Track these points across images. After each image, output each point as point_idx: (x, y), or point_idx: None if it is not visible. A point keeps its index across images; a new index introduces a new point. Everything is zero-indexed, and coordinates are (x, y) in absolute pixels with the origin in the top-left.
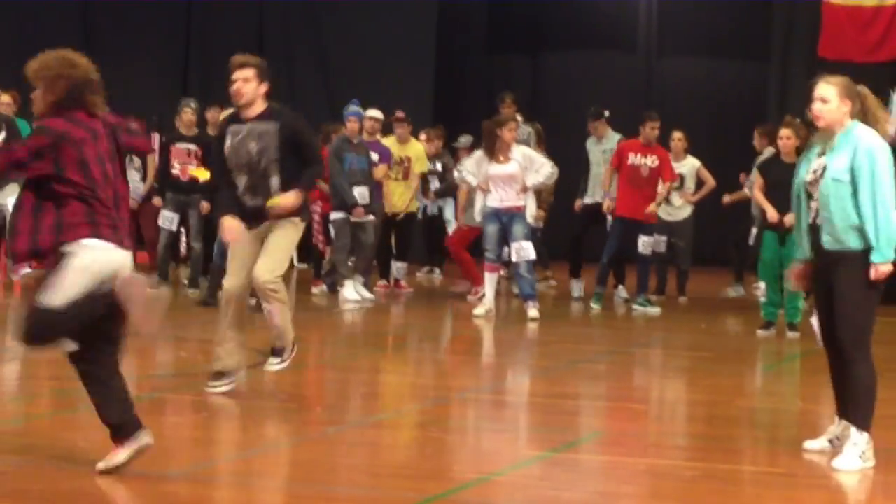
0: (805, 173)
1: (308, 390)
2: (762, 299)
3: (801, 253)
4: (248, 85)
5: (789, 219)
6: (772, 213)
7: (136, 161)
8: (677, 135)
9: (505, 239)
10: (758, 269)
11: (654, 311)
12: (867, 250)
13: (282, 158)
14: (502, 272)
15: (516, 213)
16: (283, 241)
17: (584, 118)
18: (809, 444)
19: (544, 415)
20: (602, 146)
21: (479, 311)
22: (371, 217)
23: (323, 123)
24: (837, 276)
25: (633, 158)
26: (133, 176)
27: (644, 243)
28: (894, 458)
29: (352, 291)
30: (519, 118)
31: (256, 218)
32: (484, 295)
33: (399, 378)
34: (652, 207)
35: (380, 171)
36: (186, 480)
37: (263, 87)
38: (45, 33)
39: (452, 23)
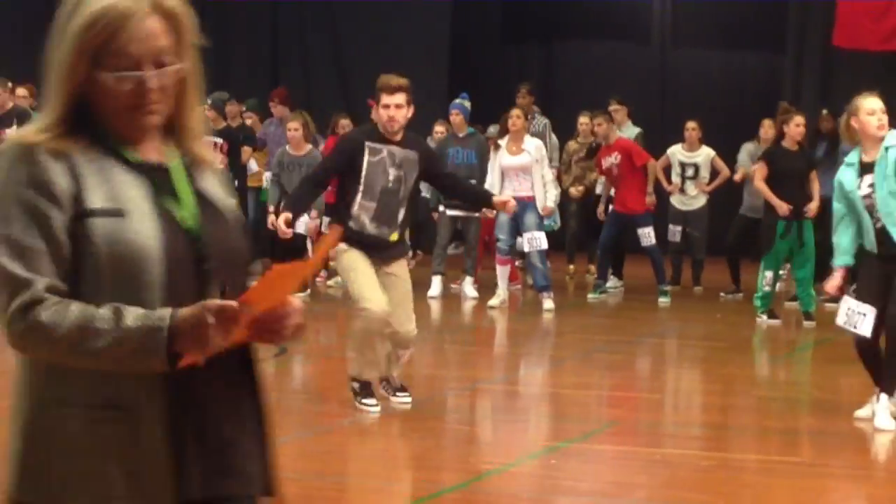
0: (858, 187)
1: (323, 382)
2: (767, 289)
3: (844, 260)
4: (400, 111)
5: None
6: (783, 208)
7: None
8: (691, 124)
9: (518, 229)
10: (765, 259)
11: (665, 300)
12: None
13: (414, 191)
14: (517, 263)
15: (528, 203)
16: (408, 286)
17: (598, 109)
18: (860, 413)
19: (559, 405)
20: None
21: (493, 301)
22: (477, 214)
23: (335, 113)
24: None
25: (605, 162)
26: None
27: (643, 234)
28: None
29: (471, 287)
30: (535, 109)
31: (376, 248)
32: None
33: (414, 369)
34: (649, 200)
35: None
36: None
37: (410, 112)
38: None
39: (467, 13)
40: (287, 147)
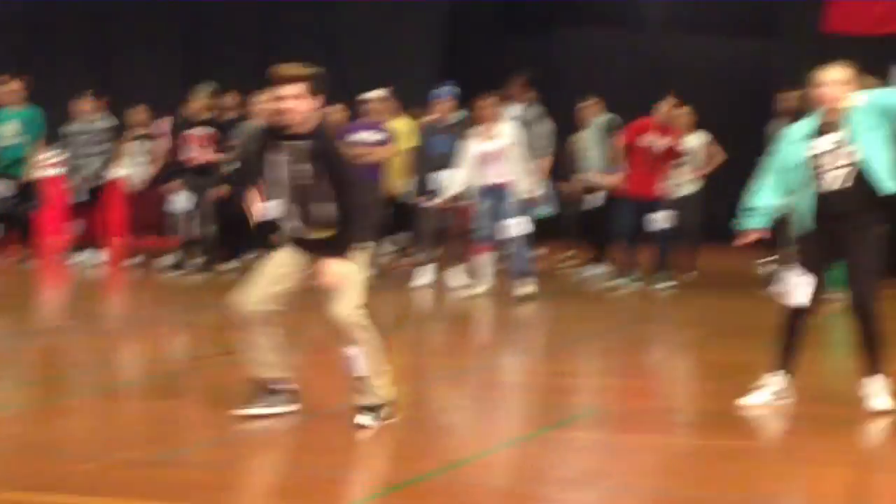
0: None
1: (308, 372)
2: None
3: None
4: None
5: None
6: None
7: (142, 145)
8: (683, 109)
9: (497, 216)
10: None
11: (665, 286)
12: None
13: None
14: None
15: (506, 190)
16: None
17: (594, 95)
18: (749, 400)
19: (540, 393)
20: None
21: (477, 290)
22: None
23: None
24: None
25: (643, 140)
26: (139, 160)
27: (659, 219)
28: None
29: (456, 277)
30: (532, 97)
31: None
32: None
33: (395, 357)
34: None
35: (380, 153)
36: (171, 465)
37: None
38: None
39: (464, 3)
40: None
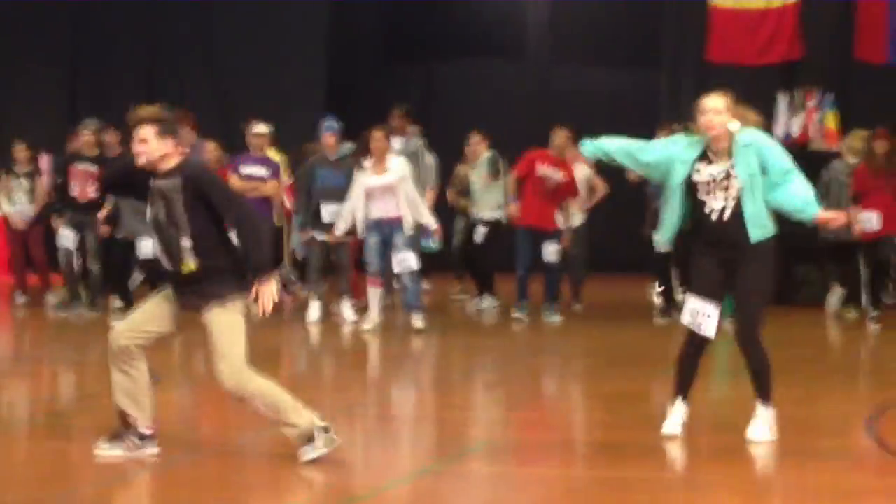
0: (696, 171)
1: (198, 409)
2: None
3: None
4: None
5: None
6: None
7: (25, 183)
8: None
9: (386, 251)
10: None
11: (555, 318)
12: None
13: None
14: (396, 285)
15: (396, 224)
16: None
17: (479, 127)
18: (666, 428)
19: (434, 427)
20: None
21: (366, 325)
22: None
23: (215, 139)
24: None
25: (543, 169)
26: (21, 198)
27: (553, 251)
28: (793, 460)
29: (349, 310)
30: (412, 130)
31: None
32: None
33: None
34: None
35: (270, 187)
36: None
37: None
38: None
39: (345, 33)
40: None
